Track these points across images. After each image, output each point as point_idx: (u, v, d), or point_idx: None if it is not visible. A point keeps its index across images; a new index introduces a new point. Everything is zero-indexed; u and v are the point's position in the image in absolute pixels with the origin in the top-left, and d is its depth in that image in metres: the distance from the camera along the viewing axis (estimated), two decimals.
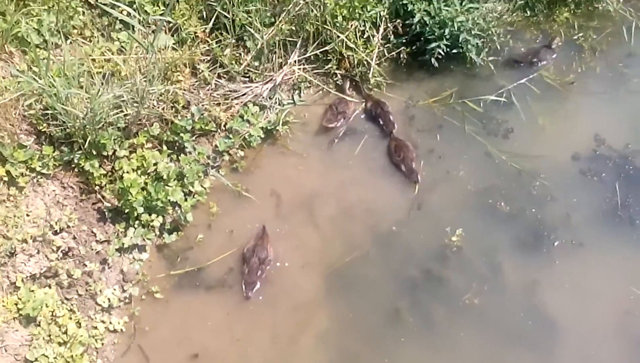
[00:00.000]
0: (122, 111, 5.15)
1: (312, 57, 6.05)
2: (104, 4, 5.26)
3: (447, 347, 4.84)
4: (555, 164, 5.65)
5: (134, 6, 5.48)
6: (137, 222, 5.06)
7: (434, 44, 6.00)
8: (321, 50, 6.01)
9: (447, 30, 5.94)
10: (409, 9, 6.02)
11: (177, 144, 5.46)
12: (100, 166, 5.06)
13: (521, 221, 5.35)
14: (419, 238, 5.29)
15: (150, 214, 5.07)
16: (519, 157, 5.66)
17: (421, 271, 5.14)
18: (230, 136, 5.60)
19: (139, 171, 5.14)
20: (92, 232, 5.00)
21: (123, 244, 4.98)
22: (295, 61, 6.00)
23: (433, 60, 6.08)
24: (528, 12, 6.65)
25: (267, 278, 5.03)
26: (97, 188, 5.09)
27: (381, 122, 5.93)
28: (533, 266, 5.15)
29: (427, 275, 5.12)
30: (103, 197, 5.07)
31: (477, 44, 6.09)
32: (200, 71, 5.72)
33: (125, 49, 5.47)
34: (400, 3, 6.08)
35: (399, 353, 4.79)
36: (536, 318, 4.95)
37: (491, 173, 5.60)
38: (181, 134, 5.40)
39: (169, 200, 5.10)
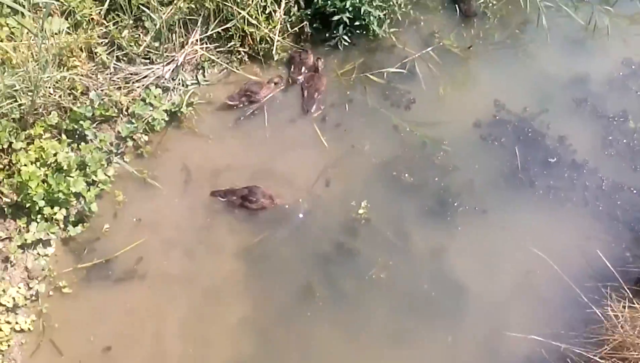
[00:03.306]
0: (15, 101, 4.98)
1: (214, 35, 5.94)
2: None
3: (361, 319, 4.96)
4: (458, 132, 5.78)
5: None
6: (39, 216, 4.92)
7: (336, 17, 6.01)
8: (223, 28, 5.91)
9: (348, 3, 5.94)
10: None
11: (78, 132, 5.30)
12: None
13: (426, 191, 5.47)
14: (329, 212, 5.36)
15: (52, 207, 4.93)
16: (421, 127, 5.76)
17: (333, 246, 5.22)
18: (133, 120, 5.48)
19: (38, 163, 4.97)
20: None
21: (26, 240, 4.84)
22: (197, 40, 5.89)
23: (342, 39, 6.16)
24: None
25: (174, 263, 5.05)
26: None
27: (292, 69, 6.08)
28: (439, 233, 5.30)
29: (339, 248, 5.21)
30: (1, 193, 4.90)
31: (379, 15, 6.12)
32: (97, 54, 5.55)
33: (15, 35, 5.25)
34: None
35: (312, 330, 4.88)
36: (445, 283, 5.11)
37: (395, 145, 5.70)
38: (81, 122, 5.25)
39: (71, 191, 4.95)
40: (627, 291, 4.76)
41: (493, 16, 6.60)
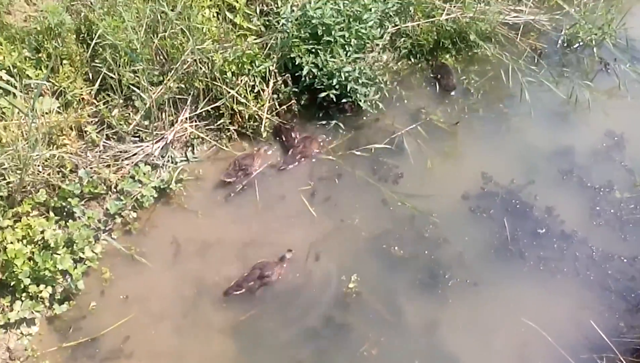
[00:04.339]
0: (4, 179, 5.01)
1: (203, 113, 6.04)
2: None
3: None
4: (446, 205, 5.81)
5: (14, 70, 5.37)
6: (24, 294, 4.84)
7: (323, 94, 6.13)
8: (212, 106, 6.02)
9: (335, 81, 6.08)
10: (297, 63, 6.12)
11: (66, 209, 5.29)
12: None
13: (416, 264, 5.45)
14: (319, 286, 5.30)
15: (38, 285, 4.86)
16: (410, 200, 5.79)
17: (324, 321, 5.13)
18: (122, 197, 5.49)
19: (25, 241, 4.93)
20: None
21: (9, 319, 4.74)
22: (186, 118, 5.98)
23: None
24: (412, 59, 6.92)
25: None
26: None
27: (284, 139, 6.17)
28: (430, 307, 5.24)
29: (330, 323, 5.12)
30: None
31: (365, 92, 6.25)
32: (87, 133, 5.61)
33: (6, 115, 5.31)
34: (289, 57, 6.19)
35: None
36: (437, 359, 5.01)
37: (384, 218, 5.70)
38: (69, 199, 5.25)
39: (58, 269, 4.89)
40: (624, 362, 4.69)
41: (477, 92, 6.76)
